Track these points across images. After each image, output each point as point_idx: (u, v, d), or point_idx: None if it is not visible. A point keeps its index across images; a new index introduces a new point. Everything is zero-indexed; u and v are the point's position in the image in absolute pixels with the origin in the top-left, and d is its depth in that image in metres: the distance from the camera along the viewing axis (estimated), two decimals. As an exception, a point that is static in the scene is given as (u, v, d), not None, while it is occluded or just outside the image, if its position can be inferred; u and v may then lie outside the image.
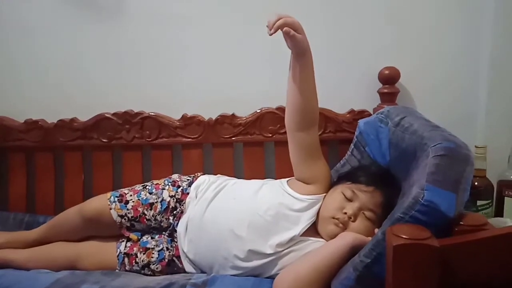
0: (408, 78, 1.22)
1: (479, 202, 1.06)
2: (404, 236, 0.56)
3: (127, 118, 1.26)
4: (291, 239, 0.90)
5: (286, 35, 0.84)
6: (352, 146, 1.08)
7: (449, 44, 1.23)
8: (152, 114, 1.26)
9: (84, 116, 1.28)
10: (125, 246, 0.99)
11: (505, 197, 1.06)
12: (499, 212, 1.08)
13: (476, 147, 1.06)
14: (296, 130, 0.97)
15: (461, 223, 0.64)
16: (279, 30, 0.84)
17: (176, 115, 1.27)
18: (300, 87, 0.93)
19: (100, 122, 1.26)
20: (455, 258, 0.54)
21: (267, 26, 0.85)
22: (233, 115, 1.25)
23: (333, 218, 0.90)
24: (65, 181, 1.29)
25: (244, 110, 1.26)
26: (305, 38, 0.87)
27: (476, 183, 1.05)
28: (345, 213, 0.89)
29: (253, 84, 1.27)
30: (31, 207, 1.29)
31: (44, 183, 1.29)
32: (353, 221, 0.89)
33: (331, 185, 0.98)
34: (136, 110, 1.26)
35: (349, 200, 0.90)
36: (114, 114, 1.26)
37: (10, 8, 1.30)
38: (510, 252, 0.56)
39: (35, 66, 1.32)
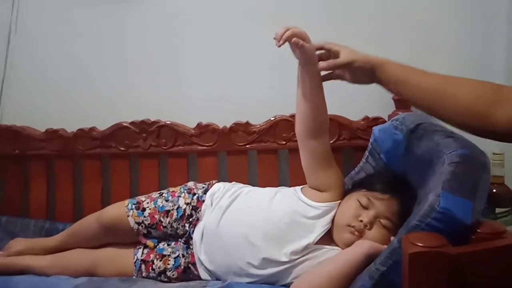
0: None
1: (497, 210, 1.03)
2: (420, 244, 0.56)
3: (144, 127, 1.28)
4: (306, 247, 0.89)
5: (295, 45, 0.86)
6: (367, 153, 1.08)
7: (464, 49, 1.22)
8: (168, 122, 1.28)
9: (103, 125, 1.31)
10: (142, 253, 1.00)
11: (525, 205, 1.04)
12: (519, 220, 1.05)
13: (493, 154, 1.05)
14: (307, 138, 0.97)
15: (478, 231, 0.63)
16: (287, 41, 0.85)
17: (191, 124, 1.29)
18: (309, 96, 0.94)
19: (118, 131, 1.29)
20: (472, 266, 0.53)
21: (274, 38, 0.86)
22: (247, 123, 1.26)
23: (349, 226, 0.89)
24: (84, 189, 1.32)
25: (258, 118, 1.27)
26: (313, 47, 0.88)
27: (494, 190, 1.03)
28: (361, 221, 0.88)
29: (267, 92, 1.28)
30: (51, 214, 1.32)
31: (64, 191, 1.32)
32: (369, 229, 0.88)
33: (345, 192, 0.98)
34: (152, 119, 1.29)
35: (365, 207, 0.90)
36: (131, 123, 1.29)
37: (29, 20, 1.35)
38: (530, 260, 0.55)
39: (56, 77, 1.36)
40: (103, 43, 1.33)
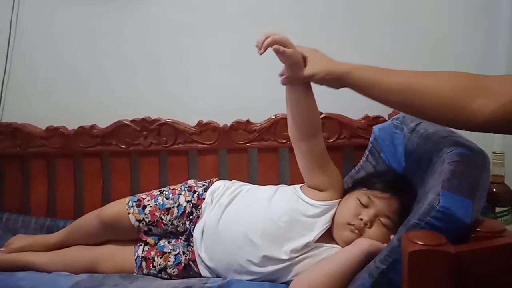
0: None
1: (497, 209, 1.04)
2: (419, 242, 0.56)
3: (145, 125, 1.29)
4: (306, 245, 0.90)
5: (276, 52, 0.85)
6: (367, 152, 1.08)
7: (464, 49, 1.22)
8: (169, 120, 1.28)
9: (103, 123, 1.31)
10: (143, 250, 1.00)
11: (525, 204, 1.04)
12: (518, 219, 1.05)
13: (493, 153, 1.05)
14: (299, 141, 0.96)
15: (477, 229, 0.63)
16: (269, 48, 0.84)
17: (192, 122, 1.29)
18: (297, 100, 0.93)
19: (118, 128, 1.29)
20: (471, 264, 0.54)
21: (256, 46, 0.85)
22: (247, 121, 1.27)
23: (349, 224, 0.89)
24: (85, 186, 1.33)
25: (259, 116, 1.27)
26: (296, 51, 0.87)
27: (494, 190, 1.03)
28: (361, 219, 0.89)
29: (267, 90, 1.28)
30: (52, 212, 1.33)
31: (64, 189, 1.33)
32: (369, 228, 0.88)
33: (345, 191, 0.98)
34: (153, 117, 1.29)
35: (365, 206, 0.90)
36: (132, 121, 1.29)
37: (30, 19, 1.35)
38: (529, 259, 0.55)
39: (56, 74, 1.36)
40: (104, 42, 1.33)
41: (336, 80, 0.81)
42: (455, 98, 0.64)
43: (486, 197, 0.70)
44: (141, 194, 1.07)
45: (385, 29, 1.24)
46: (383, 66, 1.24)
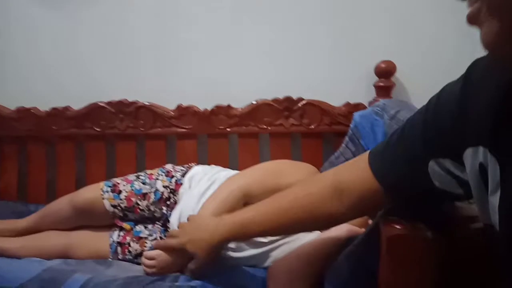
0: (404, 72, 1.22)
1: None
2: (397, 227, 0.56)
3: (121, 108, 1.25)
4: (285, 230, 0.89)
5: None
6: (346, 138, 1.08)
7: (447, 38, 1.22)
8: (147, 103, 1.25)
9: (78, 104, 1.26)
10: (118, 235, 0.98)
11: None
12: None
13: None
14: None
15: (455, 215, 0.64)
16: None
17: (171, 106, 1.26)
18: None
19: (93, 111, 1.25)
20: (448, 249, 0.54)
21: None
22: (228, 106, 1.24)
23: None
24: (58, 170, 1.28)
25: (240, 101, 1.25)
26: (178, 255, 0.85)
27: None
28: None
29: (249, 76, 1.27)
30: (23, 196, 1.28)
31: (36, 172, 1.28)
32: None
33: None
34: (130, 100, 1.25)
35: (344, 192, 0.90)
36: (108, 103, 1.25)
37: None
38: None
39: (29, 53, 1.31)
40: (81, 22, 1.28)
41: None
42: (313, 213, 0.66)
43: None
44: (116, 179, 1.04)
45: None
46: (366, 51, 1.24)
